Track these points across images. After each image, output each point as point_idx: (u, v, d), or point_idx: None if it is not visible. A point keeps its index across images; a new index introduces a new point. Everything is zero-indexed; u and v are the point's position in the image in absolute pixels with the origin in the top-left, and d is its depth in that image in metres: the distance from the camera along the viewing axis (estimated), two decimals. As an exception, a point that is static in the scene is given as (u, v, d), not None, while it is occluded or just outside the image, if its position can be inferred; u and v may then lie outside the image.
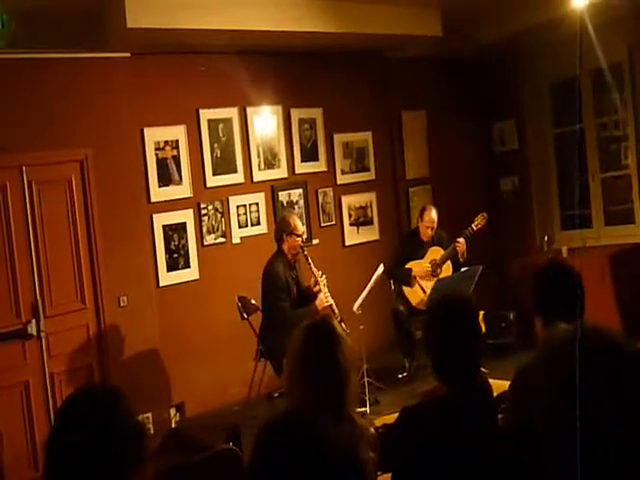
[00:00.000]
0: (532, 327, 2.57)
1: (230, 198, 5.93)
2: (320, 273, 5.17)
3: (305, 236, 5.44)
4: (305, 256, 5.18)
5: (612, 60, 6.39)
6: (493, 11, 6.39)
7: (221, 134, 5.90)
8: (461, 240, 5.84)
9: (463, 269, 5.75)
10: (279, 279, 5.04)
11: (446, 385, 2.24)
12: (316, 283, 5.16)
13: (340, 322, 4.77)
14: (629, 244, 6.62)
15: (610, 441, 1.03)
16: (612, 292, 6.05)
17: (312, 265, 5.16)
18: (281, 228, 5.20)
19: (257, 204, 6.09)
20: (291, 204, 6.33)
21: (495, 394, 2.50)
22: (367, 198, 6.87)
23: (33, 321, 4.79)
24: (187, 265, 5.66)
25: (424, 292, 5.80)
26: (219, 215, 5.87)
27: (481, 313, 5.52)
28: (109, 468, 1.52)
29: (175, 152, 5.62)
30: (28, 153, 4.79)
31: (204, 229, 5.78)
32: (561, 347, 1.13)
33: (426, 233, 5.98)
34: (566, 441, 1.08)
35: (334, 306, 5.11)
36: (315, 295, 5.13)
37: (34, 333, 4.79)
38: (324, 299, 5.08)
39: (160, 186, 5.53)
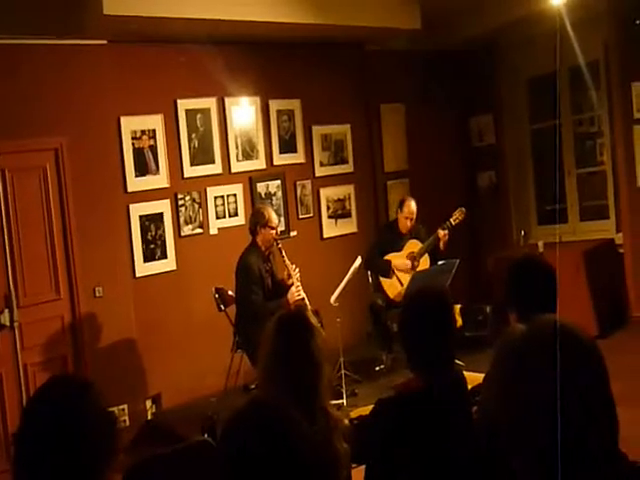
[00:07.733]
0: (508, 321, 2.59)
1: (208, 189, 5.89)
2: (294, 267, 5.14)
3: (280, 229, 5.41)
4: (279, 249, 5.15)
5: (589, 57, 6.46)
6: (472, 5, 6.41)
7: (199, 124, 5.86)
8: (444, 231, 5.84)
9: (440, 262, 5.78)
10: (252, 271, 5.01)
11: (421, 377, 2.26)
12: (289, 276, 5.15)
13: (315, 314, 4.77)
14: (603, 239, 6.72)
15: (563, 432, 1.05)
16: (586, 286, 6.13)
17: (285, 258, 5.14)
18: (255, 220, 5.15)
19: (235, 195, 6.06)
20: (269, 195, 6.30)
21: (470, 387, 2.52)
22: (345, 191, 6.87)
23: (6, 311, 4.73)
24: (164, 256, 5.62)
25: (401, 285, 5.83)
26: (196, 206, 5.83)
27: (457, 306, 5.58)
28: (80, 461, 1.50)
29: (152, 142, 5.57)
30: (1, 140, 4.70)
31: (181, 220, 5.73)
32: (511, 344, 1.15)
33: (405, 225, 5.98)
34: (518, 434, 1.09)
35: (306, 300, 5.09)
36: (288, 288, 5.11)
37: (7, 323, 4.73)
38: (295, 293, 5.05)
39: (137, 176, 5.47)
